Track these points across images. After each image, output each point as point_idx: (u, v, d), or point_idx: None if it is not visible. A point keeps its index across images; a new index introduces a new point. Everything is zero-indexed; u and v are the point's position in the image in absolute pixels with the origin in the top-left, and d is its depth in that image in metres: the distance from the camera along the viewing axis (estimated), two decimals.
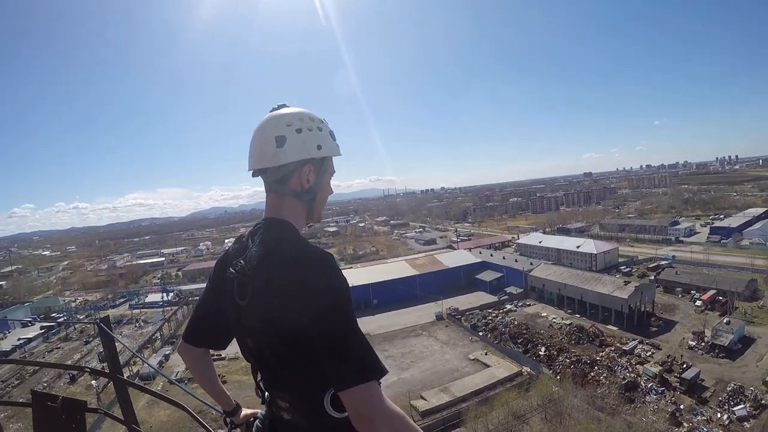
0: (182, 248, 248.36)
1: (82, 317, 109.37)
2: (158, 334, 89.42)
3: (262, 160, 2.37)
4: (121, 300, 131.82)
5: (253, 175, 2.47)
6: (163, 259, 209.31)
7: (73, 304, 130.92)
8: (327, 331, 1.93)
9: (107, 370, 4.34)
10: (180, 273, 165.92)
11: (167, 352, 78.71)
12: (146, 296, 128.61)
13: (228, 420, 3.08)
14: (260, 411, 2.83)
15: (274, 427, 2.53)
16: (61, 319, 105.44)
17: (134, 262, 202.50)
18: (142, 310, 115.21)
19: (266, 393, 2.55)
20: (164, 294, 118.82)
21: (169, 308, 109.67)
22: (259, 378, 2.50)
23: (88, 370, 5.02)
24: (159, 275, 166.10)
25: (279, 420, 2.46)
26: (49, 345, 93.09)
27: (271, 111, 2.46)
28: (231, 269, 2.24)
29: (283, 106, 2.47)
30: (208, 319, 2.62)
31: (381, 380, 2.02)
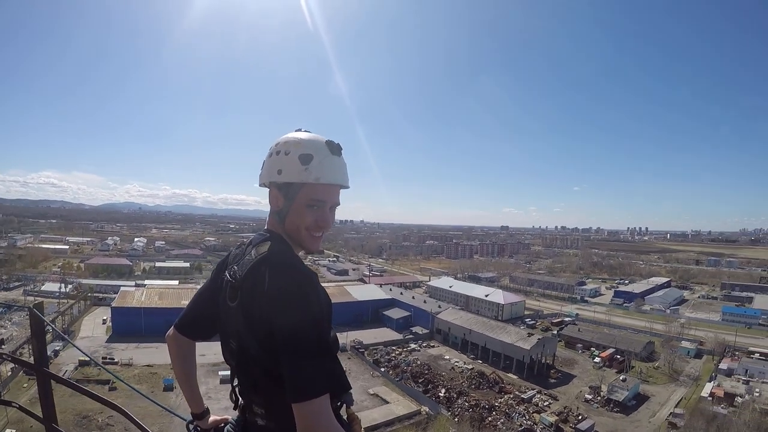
0: (89, 239, 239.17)
1: None
2: (49, 327, 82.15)
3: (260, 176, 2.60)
4: (16, 283, 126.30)
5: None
6: (67, 247, 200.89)
7: None
8: (285, 344, 2.03)
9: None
10: (82, 265, 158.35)
11: (57, 348, 72.50)
12: (43, 284, 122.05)
13: (192, 426, 3.03)
14: (231, 417, 2.86)
15: None
16: None
17: (36, 245, 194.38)
18: (36, 297, 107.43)
19: (239, 399, 2.56)
20: (62, 284, 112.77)
21: (66, 301, 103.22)
22: (235, 383, 2.53)
23: (9, 358, 4.86)
24: (60, 264, 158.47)
25: (253, 425, 2.50)
26: None
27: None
28: (227, 273, 2.45)
29: (298, 131, 2.55)
30: (204, 313, 2.73)
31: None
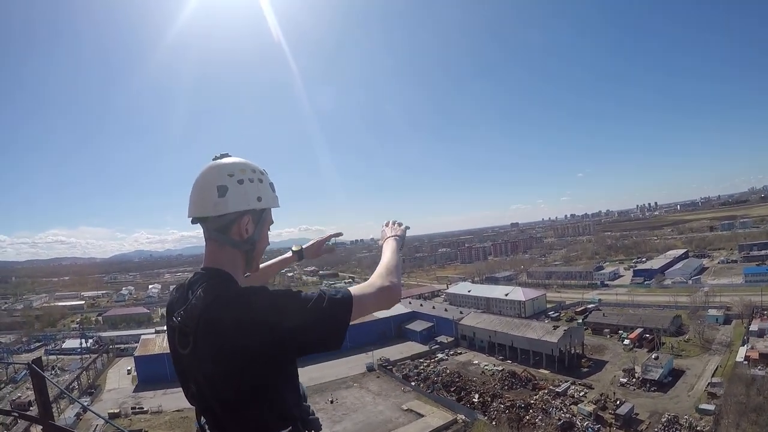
0: (103, 292, 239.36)
1: None
2: (75, 383, 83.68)
3: (203, 209, 2.42)
4: (37, 344, 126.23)
5: (192, 222, 2.52)
6: (83, 302, 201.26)
7: None
8: (303, 327, 2.06)
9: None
10: (100, 318, 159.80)
11: (86, 403, 72.81)
12: (64, 341, 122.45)
13: None
14: None
15: None
16: None
17: (52, 304, 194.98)
18: (58, 356, 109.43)
19: None
20: (83, 340, 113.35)
21: (88, 356, 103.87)
22: (203, 421, 2.44)
23: (16, 414, 4.72)
24: (78, 319, 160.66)
25: None
26: None
27: (213, 159, 2.53)
28: (173, 318, 2.32)
29: (226, 155, 2.54)
30: None
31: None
